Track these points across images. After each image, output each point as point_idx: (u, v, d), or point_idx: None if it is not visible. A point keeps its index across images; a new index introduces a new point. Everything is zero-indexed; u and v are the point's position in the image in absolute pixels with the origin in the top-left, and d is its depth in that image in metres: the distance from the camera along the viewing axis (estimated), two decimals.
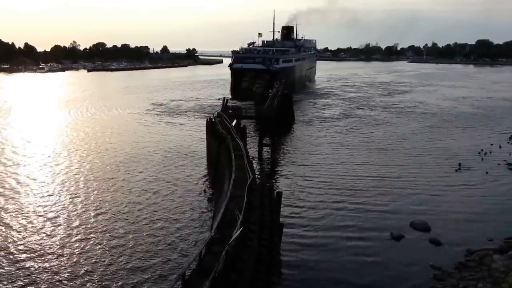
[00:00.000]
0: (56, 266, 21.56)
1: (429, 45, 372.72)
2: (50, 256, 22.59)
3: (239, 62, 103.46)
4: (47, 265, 21.72)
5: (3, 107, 78.90)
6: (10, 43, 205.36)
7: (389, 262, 22.38)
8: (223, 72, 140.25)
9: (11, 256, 22.56)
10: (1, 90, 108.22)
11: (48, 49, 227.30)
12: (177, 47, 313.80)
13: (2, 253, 22.97)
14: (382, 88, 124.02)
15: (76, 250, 23.33)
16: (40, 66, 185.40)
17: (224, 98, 56.01)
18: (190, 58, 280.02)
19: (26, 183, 34.72)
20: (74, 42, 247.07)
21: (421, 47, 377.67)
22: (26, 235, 25.17)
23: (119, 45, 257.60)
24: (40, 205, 29.82)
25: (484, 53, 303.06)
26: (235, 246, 14.85)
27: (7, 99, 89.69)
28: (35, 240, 24.43)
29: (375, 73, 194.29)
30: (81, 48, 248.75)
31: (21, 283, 20.10)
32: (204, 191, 33.42)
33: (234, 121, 43.59)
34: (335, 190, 33.33)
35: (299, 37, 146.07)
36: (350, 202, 30.78)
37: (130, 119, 67.57)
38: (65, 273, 20.95)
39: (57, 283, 20.08)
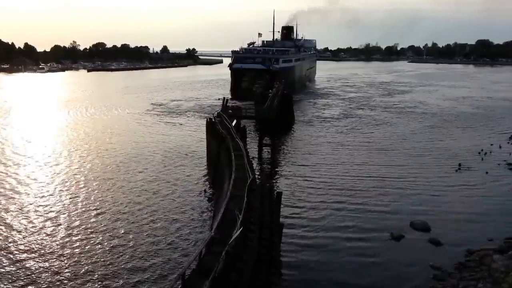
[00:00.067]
0: (56, 266, 21.56)
1: (429, 45, 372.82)
2: (50, 256, 22.59)
3: (239, 62, 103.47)
4: (47, 264, 21.73)
5: (3, 107, 78.90)
6: (10, 43, 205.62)
7: (389, 263, 22.38)
8: (223, 72, 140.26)
9: (11, 256, 22.57)
10: (1, 90, 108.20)
11: (48, 49, 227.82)
12: (177, 47, 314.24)
13: (3, 252, 22.97)
14: (382, 88, 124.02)
15: (76, 249, 23.34)
16: (40, 66, 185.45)
17: (224, 98, 55.99)
18: (190, 58, 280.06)
19: (26, 183, 34.71)
20: (74, 42, 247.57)
21: (421, 47, 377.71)
22: (27, 235, 25.17)
23: (119, 45, 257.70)
24: (40, 205, 29.82)
25: (484, 53, 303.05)
26: (235, 246, 14.85)
27: (7, 99, 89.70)
28: (35, 240, 24.43)
29: (375, 73, 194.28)
30: (81, 48, 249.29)
31: (22, 283, 20.11)
32: (204, 191, 33.42)
33: (234, 121, 43.59)
34: (335, 190, 33.33)
35: (299, 37, 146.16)
36: (350, 202, 30.78)
37: (130, 119, 67.57)
38: (65, 272, 20.96)
39: (57, 283, 20.09)
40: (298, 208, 29.40)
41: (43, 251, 23.12)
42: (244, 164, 25.78)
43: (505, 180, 36.62)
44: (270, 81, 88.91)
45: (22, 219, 27.50)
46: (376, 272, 21.42)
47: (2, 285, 19.88)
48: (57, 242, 24.20)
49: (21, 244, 23.95)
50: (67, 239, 24.57)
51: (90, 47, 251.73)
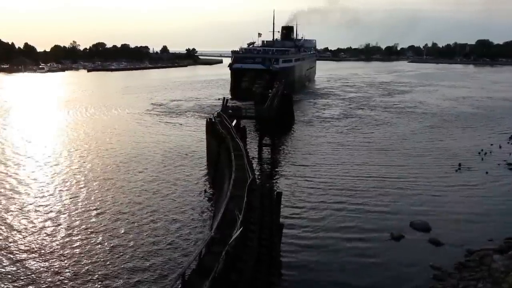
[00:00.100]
0: (56, 266, 21.57)
1: (429, 45, 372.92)
2: (50, 256, 22.61)
3: (239, 62, 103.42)
4: (47, 264, 21.75)
5: (3, 107, 78.89)
6: (10, 43, 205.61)
7: (389, 263, 22.38)
8: (223, 72, 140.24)
9: (11, 256, 22.58)
10: (1, 90, 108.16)
11: (48, 49, 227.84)
12: (177, 47, 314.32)
13: (3, 252, 22.98)
14: (382, 88, 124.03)
15: (77, 249, 23.34)
16: (40, 66, 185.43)
17: (224, 98, 56.00)
18: (190, 58, 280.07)
19: (26, 183, 34.71)
20: (74, 42, 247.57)
21: (421, 47, 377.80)
22: (27, 234, 25.17)
23: (119, 45, 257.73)
24: (40, 205, 29.83)
25: (484, 53, 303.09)
26: (235, 246, 14.84)
27: (7, 99, 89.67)
28: (36, 240, 24.44)
29: (375, 73, 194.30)
30: (81, 48, 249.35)
31: (22, 282, 20.12)
32: (204, 191, 33.43)
33: (234, 121, 43.59)
34: (335, 191, 33.32)
35: (299, 37, 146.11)
36: (350, 203, 30.78)
37: (130, 119, 67.57)
38: (65, 272, 20.96)
39: (57, 283, 20.10)
40: (298, 208, 29.40)
41: (43, 251, 23.14)
42: (244, 164, 25.78)
43: (505, 180, 36.62)
44: (270, 81, 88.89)
45: (23, 219, 27.50)
46: (376, 272, 21.42)
47: (2, 285, 19.88)
48: (57, 242, 24.21)
49: (21, 244, 23.95)
50: (67, 239, 24.58)
51: (90, 47, 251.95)
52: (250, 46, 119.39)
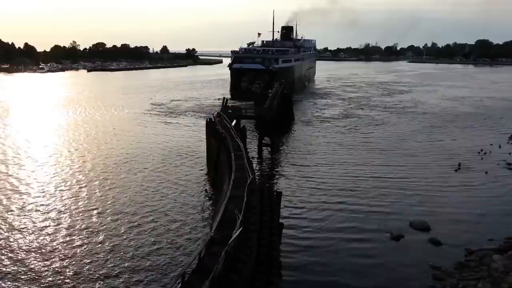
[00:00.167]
0: (57, 265, 21.56)
1: (429, 45, 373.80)
2: (51, 255, 22.60)
3: (238, 62, 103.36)
4: (48, 263, 21.74)
5: (3, 107, 78.85)
6: (10, 43, 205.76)
7: (388, 263, 22.37)
8: (222, 72, 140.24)
9: (12, 255, 22.58)
10: (1, 90, 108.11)
11: (48, 49, 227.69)
12: (177, 47, 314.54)
13: (4, 251, 22.98)
14: (382, 88, 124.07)
15: (77, 249, 23.31)
16: (40, 66, 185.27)
17: (224, 98, 56.00)
18: (189, 58, 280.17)
19: (27, 183, 34.70)
20: (74, 42, 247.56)
21: (421, 47, 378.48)
22: (28, 234, 25.16)
23: (119, 45, 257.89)
24: (41, 205, 29.81)
25: (483, 53, 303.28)
26: (235, 246, 14.83)
27: (7, 99, 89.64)
28: (36, 239, 24.43)
29: (375, 73, 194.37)
30: (81, 48, 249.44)
31: (23, 282, 20.10)
32: (204, 191, 33.43)
33: (234, 121, 43.58)
34: (335, 191, 33.29)
35: (299, 37, 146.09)
36: (350, 203, 30.76)
37: (130, 119, 67.56)
38: (66, 272, 20.94)
39: (58, 282, 20.08)
40: (298, 209, 29.38)
41: (43, 250, 23.13)
42: (244, 164, 25.76)
43: (505, 180, 36.61)
44: (269, 81, 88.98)
45: (23, 218, 27.49)
46: (376, 272, 21.41)
47: (3, 285, 19.88)
48: (58, 241, 24.20)
49: (22, 243, 23.95)
50: (68, 238, 24.57)
51: (90, 47, 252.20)
52: (250, 46, 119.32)
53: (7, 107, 78.75)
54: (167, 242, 24.24)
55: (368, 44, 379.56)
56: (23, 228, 26.06)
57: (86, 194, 32.11)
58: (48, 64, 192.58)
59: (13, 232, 25.51)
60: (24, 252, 22.99)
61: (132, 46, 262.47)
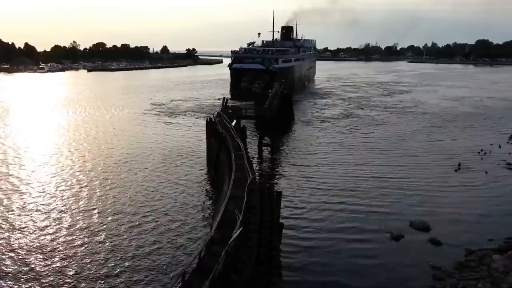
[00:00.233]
0: (57, 264, 21.56)
1: (429, 45, 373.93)
2: (51, 254, 22.61)
3: (238, 62, 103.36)
4: (48, 263, 21.76)
5: (3, 106, 78.86)
6: (10, 43, 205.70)
7: (388, 263, 22.37)
8: (222, 72, 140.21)
9: (13, 255, 22.59)
10: (1, 90, 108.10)
11: (48, 49, 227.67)
12: (177, 47, 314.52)
13: (5, 251, 23.01)
14: (382, 88, 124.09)
15: (77, 248, 23.32)
16: (40, 66, 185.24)
17: (224, 98, 56.04)
18: (190, 58, 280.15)
19: (27, 182, 34.70)
20: (74, 42, 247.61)
21: (421, 47, 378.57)
22: (29, 234, 25.16)
23: (119, 45, 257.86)
24: (42, 204, 29.81)
25: (483, 53, 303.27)
26: (235, 246, 14.85)
27: (7, 99, 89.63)
28: (37, 239, 24.43)
29: (375, 73, 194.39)
30: (81, 48, 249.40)
31: (24, 281, 20.11)
32: (204, 191, 33.43)
33: (234, 121, 43.59)
34: (335, 191, 33.29)
35: (299, 37, 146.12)
36: (350, 203, 30.76)
37: (130, 119, 67.57)
38: (66, 271, 20.95)
39: (58, 281, 20.09)
40: (298, 209, 29.38)
41: (44, 250, 23.15)
42: (244, 164, 25.77)
43: (505, 180, 36.62)
44: (269, 81, 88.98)
45: (24, 218, 27.50)
46: (376, 272, 21.41)
47: (4, 284, 19.89)
48: (58, 241, 24.21)
49: (23, 243, 23.95)
50: (68, 238, 24.59)
51: (90, 47, 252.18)
52: (250, 46, 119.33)
53: (7, 107, 78.76)
54: (168, 241, 24.24)
55: (368, 44, 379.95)
56: (23, 228, 26.06)
57: (87, 194, 32.11)
58: (48, 64, 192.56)
59: (14, 232, 25.51)
60: (25, 252, 23.00)
61: (132, 46, 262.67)
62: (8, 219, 27.41)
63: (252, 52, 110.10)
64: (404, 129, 60.26)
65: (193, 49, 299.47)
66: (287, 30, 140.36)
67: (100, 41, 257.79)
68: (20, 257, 22.48)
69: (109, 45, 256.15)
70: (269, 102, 53.46)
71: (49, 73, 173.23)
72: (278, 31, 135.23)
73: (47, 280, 20.25)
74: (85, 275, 20.69)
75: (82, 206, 29.72)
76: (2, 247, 23.55)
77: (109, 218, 27.56)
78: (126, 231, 25.67)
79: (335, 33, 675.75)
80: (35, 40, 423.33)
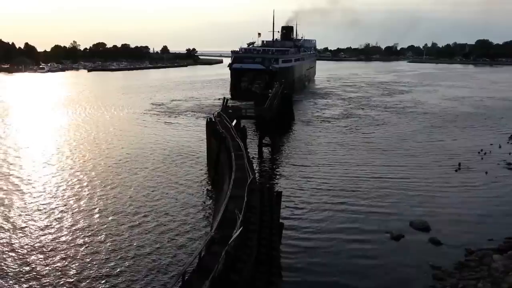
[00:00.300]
0: (58, 264, 21.58)
1: (429, 45, 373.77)
2: (52, 254, 22.63)
3: (238, 62, 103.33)
4: (49, 262, 21.78)
5: (3, 106, 78.87)
6: (10, 43, 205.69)
7: (388, 263, 22.37)
8: (223, 72, 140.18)
9: (14, 254, 22.61)
10: (2, 90, 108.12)
11: (48, 49, 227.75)
12: (177, 47, 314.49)
13: (6, 250, 23.02)
14: (382, 88, 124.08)
15: (78, 248, 23.33)
16: (40, 66, 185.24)
17: (224, 98, 56.06)
18: (190, 58, 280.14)
19: (27, 182, 34.70)
20: (74, 42, 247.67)
21: (421, 47, 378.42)
22: (30, 233, 25.17)
23: (119, 45, 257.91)
24: (43, 204, 29.83)
25: (483, 53, 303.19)
26: (235, 246, 14.85)
27: (8, 99, 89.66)
28: (38, 238, 24.44)
29: (375, 73, 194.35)
30: (81, 48, 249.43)
31: (25, 281, 20.12)
32: (205, 190, 33.45)
33: (234, 121, 43.61)
34: (335, 191, 33.29)
35: (299, 37, 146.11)
36: (350, 203, 30.75)
37: (130, 119, 67.60)
38: (67, 270, 20.96)
39: (59, 281, 20.10)
40: (299, 209, 29.38)
41: (45, 249, 23.17)
42: (244, 164, 25.77)
43: (505, 180, 36.62)
44: (269, 81, 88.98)
45: (25, 218, 27.51)
46: (376, 273, 21.41)
47: (5, 284, 19.91)
48: (59, 241, 24.22)
49: (23, 243, 23.95)
50: (69, 238, 24.60)
51: (90, 47, 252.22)
52: (250, 46, 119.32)
53: (8, 107, 78.78)
54: (168, 241, 24.26)
55: (368, 44, 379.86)
56: (24, 227, 26.08)
57: (87, 194, 32.13)
58: (49, 64, 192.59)
59: (15, 231, 25.52)
60: (25, 251, 23.00)
61: (132, 46, 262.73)
62: (9, 219, 27.42)
63: (252, 52, 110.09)
64: (404, 129, 60.26)
65: (193, 49, 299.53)
66: (287, 30, 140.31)
67: (100, 41, 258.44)
68: (21, 256, 22.49)
69: (109, 45, 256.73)
70: (269, 102, 53.44)
71: (49, 73, 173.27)
72: (278, 31, 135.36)
73: (48, 280, 20.27)
74: (86, 275, 20.71)
75: (82, 205, 29.74)
76: (3, 247, 23.56)
77: (110, 218, 27.59)
78: (126, 230, 25.69)
79: (335, 33, 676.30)
80: (35, 40, 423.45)
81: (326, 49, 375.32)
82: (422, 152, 46.64)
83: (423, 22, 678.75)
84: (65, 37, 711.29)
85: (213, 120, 42.31)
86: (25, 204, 30.10)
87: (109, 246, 23.72)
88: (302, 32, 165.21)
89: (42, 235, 25.04)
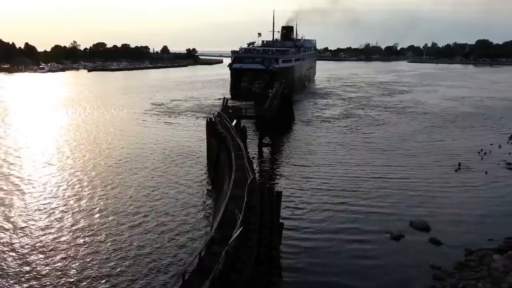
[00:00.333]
0: (59, 264, 21.57)
1: (429, 45, 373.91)
2: (52, 253, 22.63)
3: (238, 62, 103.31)
4: (50, 262, 21.78)
5: (3, 106, 78.88)
6: (10, 43, 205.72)
7: (388, 263, 22.38)
8: (223, 72, 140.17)
9: (14, 254, 22.62)
10: (2, 90, 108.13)
11: (48, 49, 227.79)
12: (177, 47, 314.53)
13: (6, 250, 23.03)
14: (382, 88, 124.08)
15: (78, 248, 23.33)
16: (41, 66, 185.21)
17: (224, 98, 56.08)
18: (190, 58, 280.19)
19: (28, 182, 34.70)
20: (74, 42, 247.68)
21: (421, 47, 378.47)
22: (30, 233, 25.17)
23: (119, 45, 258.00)
24: (43, 204, 29.83)
25: (483, 53, 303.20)
26: (235, 246, 14.86)
27: (8, 99, 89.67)
28: (38, 238, 24.43)
29: (375, 73, 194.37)
30: (81, 48, 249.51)
31: (25, 281, 20.13)
32: (205, 190, 33.45)
33: (234, 121, 43.62)
34: (336, 191, 33.29)
35: (299, 37, 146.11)
36: (350, 203, 30.76)
37: (130, 119, 67.61)
38: (67, 270, 20.96)
39: (59, 280, 20.11)
40: (299, 209, 29.38)
41: (45, 249, 23.18)
42: (244, 164, 25.79)
43: (505, 180, 36.63)
44: (269, 81, 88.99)
45: (25, 218, 27.51)
46: (376, 272, 21.42)
47: (6, 284, 19.92)
48: (59, 240, 24.22)
49: (24, 243, 23.95)
50: (69, 237, 24.60)
51: (90, 47, 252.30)
52: (250, 46, 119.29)
53: (8, 107, 78.79)
54: (168, 241, 24.27)
55: (368, 44, 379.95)
56: (24, 227, 26.08)
57: (87, 193, 32.14)
58: (49, 64, 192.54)
59: (15, 231, 25.52)
60: (26, 251, 23.01)
61: (132, 46, 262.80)
62: (10, 219, 27.42)
63: (252, 52, 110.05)
64: (404, 129, 60.27)
65: (193, 49, 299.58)
66: (287, 30, 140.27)
67: (100, 41, 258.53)
68: (21, 256, 22.49)
69: (109, 45, 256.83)
70: (269, 102, 53.45)
71: (49, 73, 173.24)
72: (278, 31, 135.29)
73: (48, 280, 20.27)
74: (86, 275, 20.71)
75: (82, 205, 29.75)
76: (3, 247, 23.57)
77: (110, 218, 27.59)
78: (126, 230, 25.70)
79: (335, 33, 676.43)
80: (35, 40, 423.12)
81: (326, 49, 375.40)
82: (422, 152, 46.65)
83: (423, 22, 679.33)
84: (65, 37, 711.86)
85: (213, 120, 42.33)
86: (25, 204, 30.12)
87: (109, 246, 23.73)
88: (302, 32, 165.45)
89: (43, 235, 25.05)
